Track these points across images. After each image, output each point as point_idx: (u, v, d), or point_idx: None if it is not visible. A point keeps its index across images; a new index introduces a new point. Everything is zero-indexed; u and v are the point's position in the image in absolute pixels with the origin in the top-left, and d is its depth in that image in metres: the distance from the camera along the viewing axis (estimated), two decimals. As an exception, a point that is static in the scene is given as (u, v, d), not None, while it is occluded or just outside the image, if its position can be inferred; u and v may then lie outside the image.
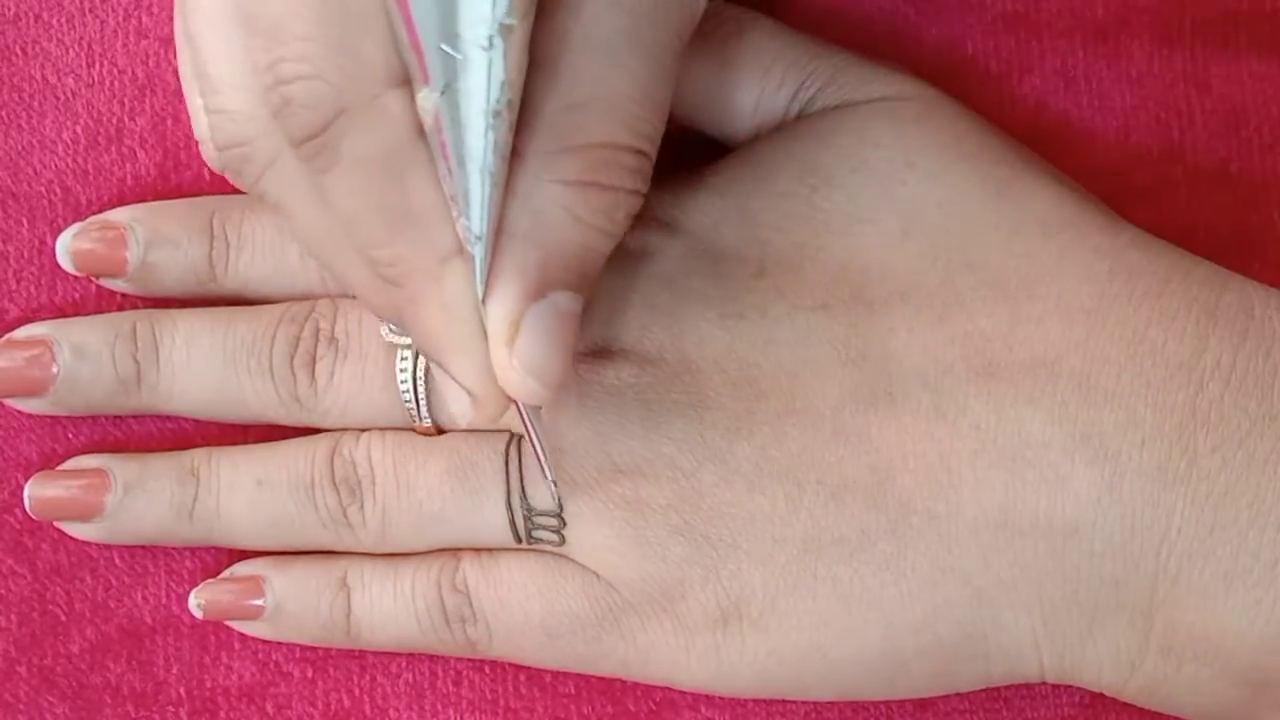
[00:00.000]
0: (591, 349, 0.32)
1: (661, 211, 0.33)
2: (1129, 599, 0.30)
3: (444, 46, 0.25)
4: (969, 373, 0.31)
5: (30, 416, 0.35)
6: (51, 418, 0.35)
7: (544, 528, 0.32)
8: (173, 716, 0.35)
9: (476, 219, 0.26)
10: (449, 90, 0.25)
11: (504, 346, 0.28)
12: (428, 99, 0.25)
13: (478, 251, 0.27)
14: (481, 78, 0.25)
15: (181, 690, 0.35)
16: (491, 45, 0.25)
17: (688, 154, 0.36)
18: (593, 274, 0.29)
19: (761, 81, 0.34)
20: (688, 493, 0.32)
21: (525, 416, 0.30)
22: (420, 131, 0.26)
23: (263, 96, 0.27)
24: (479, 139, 0.26)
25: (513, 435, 0.33)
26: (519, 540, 0.33)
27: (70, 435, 0.35)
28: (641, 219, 0.33)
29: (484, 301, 0.28)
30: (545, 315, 0.28)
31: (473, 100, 0.25)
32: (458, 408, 0.29)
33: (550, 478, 0.31)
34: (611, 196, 0.28)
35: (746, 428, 0.32)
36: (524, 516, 0.33)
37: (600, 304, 0.33)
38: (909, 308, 0.31)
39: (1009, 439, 0.30)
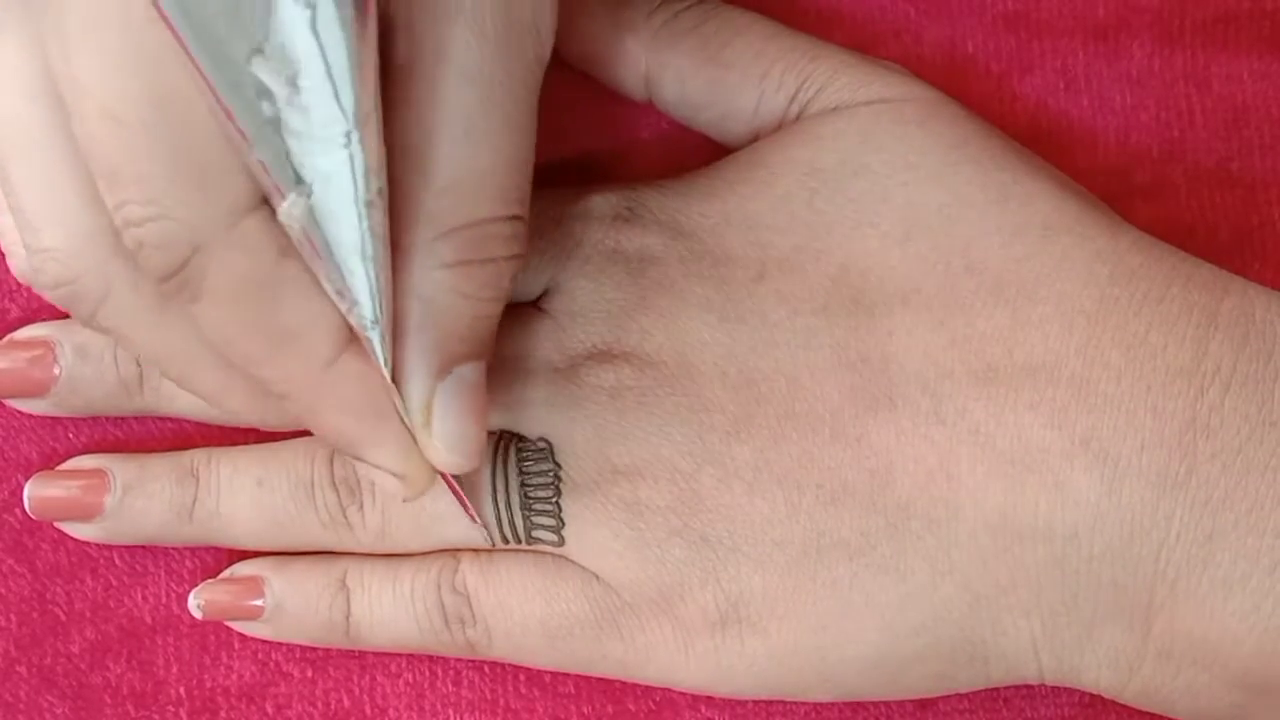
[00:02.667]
0: (592, 351, 0.33)
1: (662, 214, 0.33)
2: (1127, 603, 0.30)
3: (298, 158, 0.24)
4: (968, 377, 0.31)
5: (30, 416, 0.35)
6: (52, 418, 0.35)
7: (543, 528, 0.32)
8: (173, 716, 0.35)
9: (369, 306, 0.27)
10: (315, 194, 0.25)
11: (423, 430, 0.29)
12: (295, 206, 0.25)
13: (374, 335, 0.27)
14: (346, 174, 0.25)
15: (181, 690, 0.35)
16: (349, 142, 0.24)
17: (688, 155, 0.36)
18: (489, 338, 0.30)
19: (761, 84, 0.34)
20: (687, 495, 0.32)
21: (446, 476, 0.31)
22: (284, 250, 0.26)
23: (97, 237, 0.27)
24: (355, 231, 0.26)
25: (513, 435, 0.33)
26: (518, 541, 0.33)
27: (70, 435, 0.35)
28: (642, 221, 0.33)
29: (396, 386, 0.28)
30: (454, 391, 0.29)
31: (343, 195, 0.25)
32: (388, 489, 0.30)
33: (479, 522, 0.32)
34: (493, 268, 0.29)
35: (746, 430, 0.32)
36: (523, 517, 0.33)
37: (600, 307, 0.33)
38: (909, 311, 0.31)
39: (1008, 443, 0.30)
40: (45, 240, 0.28)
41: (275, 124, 0.24)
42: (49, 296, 0.28)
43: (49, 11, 0.25)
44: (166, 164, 0.25)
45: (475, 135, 0.28)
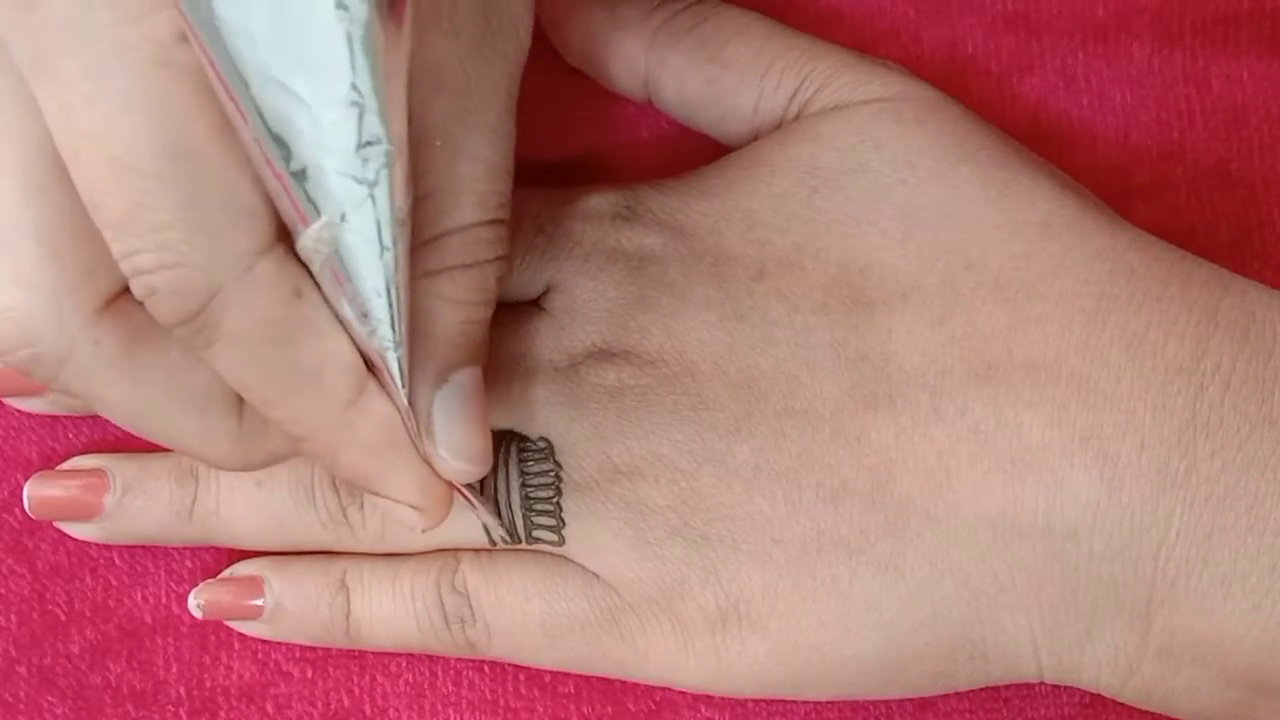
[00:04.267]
0: (592, 350, 0.33)
1: (662, 213, 0.33)
2: (1127, 601, 0.30)
3: (333, 181, 0.24)
4: (968, 374, 0.31)
5: (30, 416, 0.35)
6: (51, 417, 0.35)
7: (543, 528, 0.32)
8: (172, 716, 0.35)
9: (391, 329, 0.27)
10: (348, 218, 0.25)
11: (427, 440, 0.29)
12: (327, 230, 0.25)
13: (396, 358, 0.27)
14: (385, 195, 0.24)
15: (181, 690, 0.35)
16: (389, 161, 0.24)
17: (688, 155, 0.36)
18: (482, 342, 0.30)
19: (760, 83, 0.34)
20: (687, 494, 0.32)
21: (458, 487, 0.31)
22: (298, 290, 0.26)
23: (58, 295, 0.26)
24: (386, 254, 0.25)
25: (514, 435, 0.33)
26: (518, 540, 0.33)
27: (70, 435, 0.35)
28: (642, 220, 0.33)
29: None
30: (452, 398, 0.29)
31: (378, 218, 0.25)
32: (406, 521, 0.30)
33: (486, 512, 0.32)
34: (478, 272, 0.29)
35: (746, 429, 0.32)
36: (523, 517, 0.33)
37: (600, 306, 0.33)
38: (909, 309, 0.31)
39: (1008, 441, 0.30)
40: (3, 299, 0.27)
41: (312, 145, 0.24)
42: (9, 361, 0.27)
43: (43, 66, 0.24)
44: (181, 210, 0.24)
45: (453, 144, 0.28)
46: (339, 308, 0.27)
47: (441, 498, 0.30)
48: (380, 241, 0.25)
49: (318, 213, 0.25)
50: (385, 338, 0.27)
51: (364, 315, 0.26)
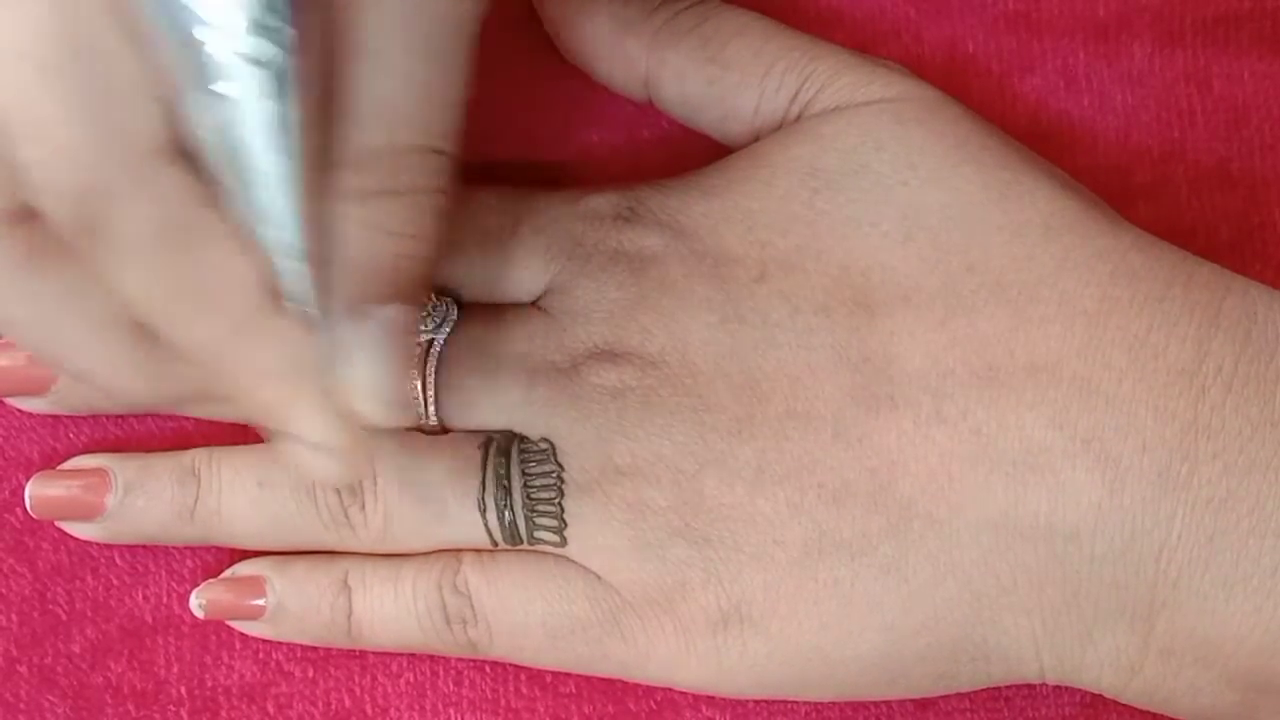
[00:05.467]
0: (594, 351, 0.33)
1: (663, 214, 0.33)
2: (1129, 603, 0.30)
3: (221, 57, 0.23)
4: (970, 376, 0.31)
5: (31, 416, 0.35)
6: (52, 417, 0.35)
7: (545, 529, 0.32)
8: (173, 716, 0.35)
9: (294, 232, 0.25)
10: (241, 103, 0.23)
11: (337, 373, 0.27)
12: (219, 109, 0.23)
13: (299, 268, 0.25)
14: (281, 84, 0.23)
15: (182, 690, 0.35)
16: (281, 40, 0.23)
17: (688, 156, 0.36)
18: (416, 280, 0.27)
19: (762, 83, 0.34)
20: (689, 495, 0.32)
21: None
22: (204, 200, 0.25)
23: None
24: (276, 154, 0.24)
25: (515, 436, 0.33)
26: (520, 542, 0.33)
27: (71, 435, 0.35)
28: (643, 221, 0.33)
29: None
30: (371, 334, 0.27)
31: (268, 111, 0.23)
32: (319, 473, 0.28)
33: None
34: (410, 200, 0.27)
35: (747, 430, 0.32)
36: (525, 518, 0.33)
37: (601, 307, 0.33)
38: (910, 310, 0.31)
39: (1010, 443, 0.30)
40: None
41: (207, 20, 0.23)
42: None
43: None
44: (67, 104, 0.24)
45: (384, 60, 0.26)
46: (241, 214, 0.25)
47: (354, 441, 0.27)
48: (277, 133, 0.24)
49: (209, 90, 0.23)
50: (289, 245, 0.25)
51: (264, 219, 0.25)
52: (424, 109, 0.26)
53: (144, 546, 0.35)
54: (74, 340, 0.27)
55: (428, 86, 0.26)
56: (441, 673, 0.35)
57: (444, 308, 0.33)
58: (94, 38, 0.24)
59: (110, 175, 0.24)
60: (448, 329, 0.33)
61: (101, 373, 0.28)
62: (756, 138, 0.34)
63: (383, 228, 0.26)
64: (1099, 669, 0.31)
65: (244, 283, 0.26)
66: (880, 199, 0.32)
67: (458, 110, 0.27)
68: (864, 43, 0.36)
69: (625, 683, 0.35)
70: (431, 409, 0.33)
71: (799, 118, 0.34)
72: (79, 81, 0.24)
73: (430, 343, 0.33)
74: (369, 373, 0.27)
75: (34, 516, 0.35)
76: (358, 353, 0.27)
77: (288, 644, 0.35)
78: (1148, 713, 0.32)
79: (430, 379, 0.33)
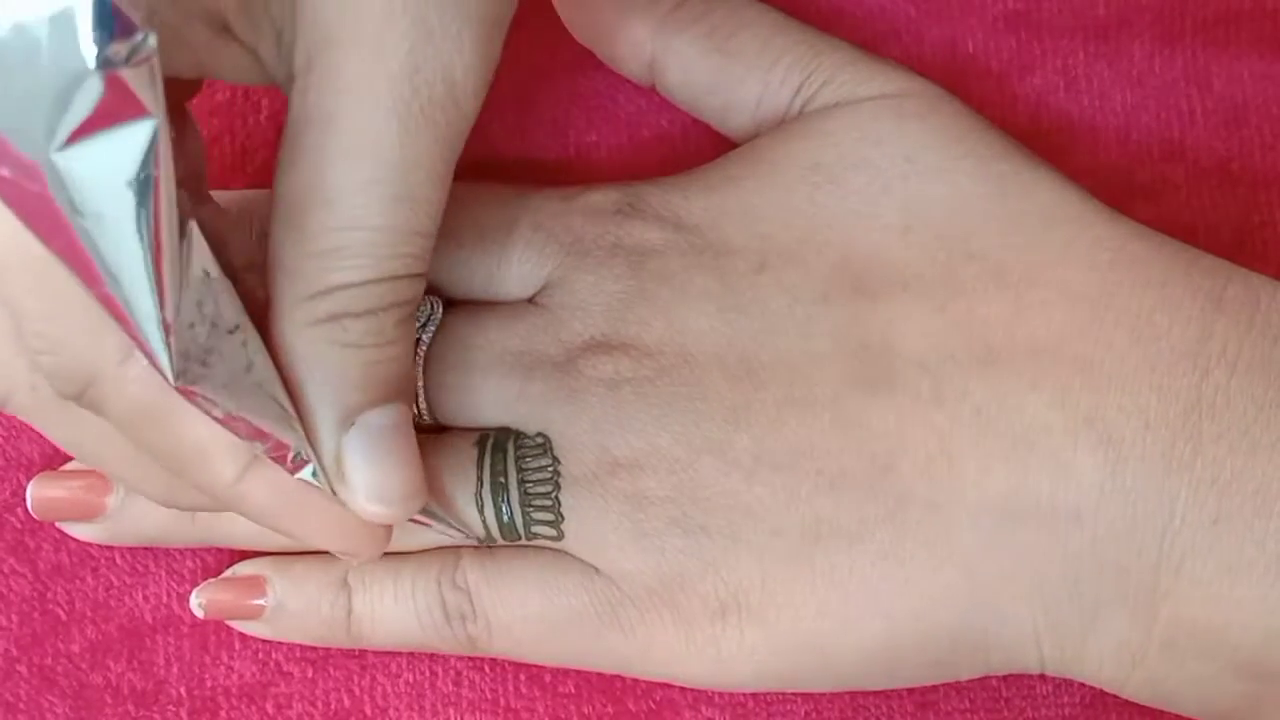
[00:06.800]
0: (589, 343, 0.32)
1: (663, 209, 0.33)
2: (1131, 589, 0.30)
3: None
4: (970, 359, 0.31)
5: (32, 416, 0.35)
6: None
7: (542, 523, 0.32)
8: (173, 716, 0.35)
9: (151, 308, 0.24)
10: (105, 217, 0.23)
11: (340, 485, 0.29)
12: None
13: (160, 349, 0.25)
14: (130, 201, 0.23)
15: (182, 690, 0.35)
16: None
17: (689, 154, 0.36)
18: (396, 381, 0.29)
19: (765, 78, 0.34)
20: (686, 484, 0.32)
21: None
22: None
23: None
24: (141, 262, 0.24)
25: (511, 432, 0.33)
26: (518, 538, 0.33)
27: (72, 434, 0.35)
28: (642, 216, 0.33)
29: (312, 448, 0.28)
30: (362, 440, 0.28)
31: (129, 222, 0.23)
32: (341, 558, 0.31)
33: (461, 535, 0.33)
34: (372, 319, 0.28)
35: (744, 418, 0.31)
36: (522, 513, 0.32)
37: (599, 300, 0.33)
38: (910, 297, 0.31)
39: (1010, 424, 0.30)
40: None
41: None
42: None
43: None
44: (55, 305, 0.26)
45: (349, 206, 0.27)
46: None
47: (368, 537, 0.30)
48: (140, 237, 0.23)
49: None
50: (157, 357, 0.25)
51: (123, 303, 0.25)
52: (389, 249, 0.28)
53: (144, 547, 0.35)
54: (105, 459, 0.30)
55: (397, 228, 0.28)
56: (440, 673, 0.35)
57: (429, 307, 0.33)
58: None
59: (94, 365, 0.27)
60: (432, 329, 0.33)
61: (132, 484, 0.30)
62: (757, 130, 0.34)
63: (349, 343, 0.28)
64: (1100, 659, 0.31)
65: (225, 447, 0.28)
66: (881, 192, 0.32)
67: (433, 230, 0.29)
68: (864, 42, 0.36)
69: (624, 683, 0.35)
70: (423, 406, 0.33)
71: (801, 112, 0.34)
72: (58, 285, 0.26)
73: (417, 342, 0.33)
74: (371, 478, 0.29)
75: (35, 517, 0.35)
76: (353, 461, 0.28)
77: (287, 644, 0.35)
78: (1148, 712, 0.32)
79: (418, 378, 0.33)
